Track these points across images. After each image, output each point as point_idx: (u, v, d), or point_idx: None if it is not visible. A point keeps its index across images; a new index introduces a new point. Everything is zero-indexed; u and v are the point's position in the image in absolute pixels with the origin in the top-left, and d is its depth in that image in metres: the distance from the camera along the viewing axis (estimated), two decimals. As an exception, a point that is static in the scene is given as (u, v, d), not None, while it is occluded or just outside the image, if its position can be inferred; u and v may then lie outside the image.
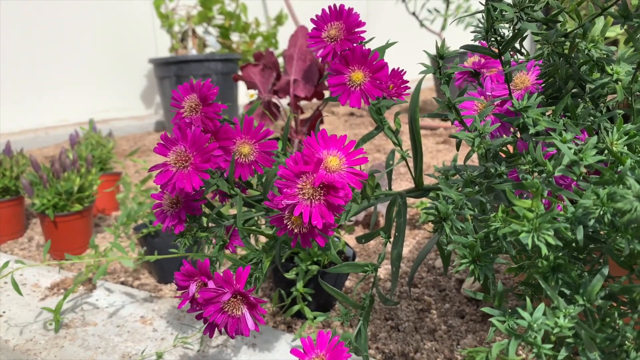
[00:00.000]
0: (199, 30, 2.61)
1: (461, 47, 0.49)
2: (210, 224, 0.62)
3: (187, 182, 0.50)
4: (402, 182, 1.54)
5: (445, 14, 2.82)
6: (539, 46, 0.48)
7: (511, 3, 0.44)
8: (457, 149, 0.54)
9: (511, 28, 0.45)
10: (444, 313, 0.83)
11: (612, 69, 0.44)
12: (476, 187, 0.46)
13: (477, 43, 0.52)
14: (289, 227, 0.47)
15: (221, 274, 0.48)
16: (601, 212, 0.32)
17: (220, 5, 2.50)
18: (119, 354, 0.73)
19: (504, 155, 0.52)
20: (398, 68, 0.60)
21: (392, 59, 0.59)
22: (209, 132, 0.55)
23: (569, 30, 0.46)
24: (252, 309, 0.48)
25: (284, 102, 1.63)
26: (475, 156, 1.72)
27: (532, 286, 0.42)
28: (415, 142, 0.70)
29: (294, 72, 1.38)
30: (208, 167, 0.51)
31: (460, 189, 0.47)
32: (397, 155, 0.87)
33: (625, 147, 0.39)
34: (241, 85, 2.72)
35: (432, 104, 2.96)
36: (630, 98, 0.44)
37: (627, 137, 0.39)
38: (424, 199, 1.21)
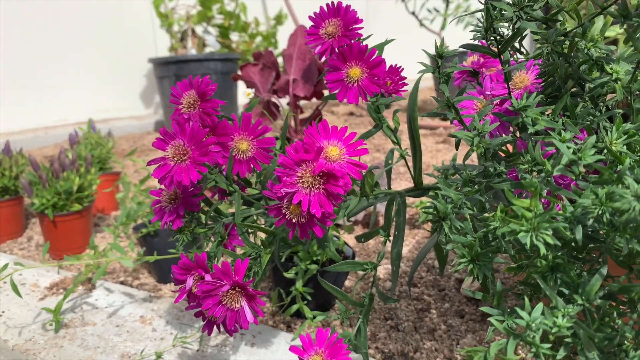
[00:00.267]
0: (199, 29, 2.61)
1: (460, 46, 0.49)
2: (208, 221, 0.62)
3: (185, 175, 0.50)
4: (402, 182, 1.53)
5: (445, 13, 2.82)
6: (538, 45, 0.48)
7: (510, 2, 0.44)
8: (457, 148, 0.54)
9: (510, 27, 0.45)
10: (443, 313, 0.83)
11: (611, 68, 0.44)
12: (475, 187, 0.46)
13: (476, 42, 0.52)
14: (287, 216, 0.47)
15: (220, 267, 0.48)
16: (600, 212, 0.32)
17: (220, 4, 2.50)
18: (118, 354, 0.73)
19: (503, 155, 0.52)
20: (396, 64, 0.60)
21: (392, 59, 0.59)
22: (207, 128, 0.55)
23: (568, 29, 0.46)
24: (251, 301, 0.48)
25: (283, 101, 1.63)
26: (474, 156, 1.72)
27: (531, 286, 0.42)
28: (414, 141, 0.70)
29: (293, 71, 1.38)
30: (206, 160, 0.51)
31: (459, 188, 0.47)
32: (396, 154, 0.87)
33: (625, 147, 0.39)
34: (240, 85, 2.72)
35: (432, 103, 2.96)
36: (629, 97, 0.44)
37: (626, 136, 0.39)
38: (423, 199, 1.21)
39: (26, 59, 2.39)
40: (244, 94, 1.24)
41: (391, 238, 0.68)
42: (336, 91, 0.56)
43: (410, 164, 0.73)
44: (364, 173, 0.53)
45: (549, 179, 0.37)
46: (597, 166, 0.36)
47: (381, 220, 1.21)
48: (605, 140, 0.39)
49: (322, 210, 0.44)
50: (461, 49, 0.52)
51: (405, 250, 1.07)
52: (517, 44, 0.53)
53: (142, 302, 0.88)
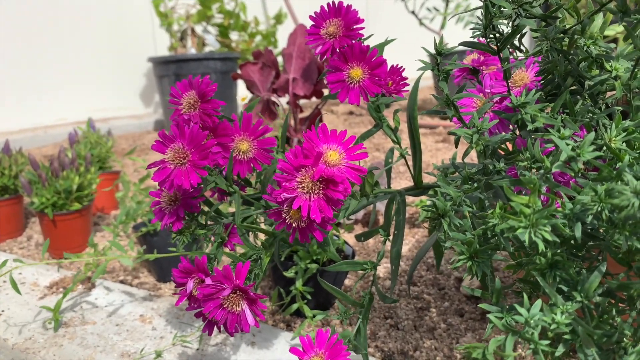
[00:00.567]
0: (198, 29, 2.61)
1: (460, 44, 0.49)
2: (208, 222, 0.62)
3: (185, 179, 0.50)
4: (402, 181, 1.53)
5: (445, 12, 2.82)
6: (537, 42, 0.48)
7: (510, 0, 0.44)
8: (456, 146, 0.54)
9: (510, 24, 0.45)
10: (443, 311, 0.83)
11: (611, 66, 0.44)
12: (474, 184, 0.46)
13: (476, 40, 0.52)
14: (287, 221, 0.47)
15: (221, 270, 0.48)
16: (599, 209, 0.32)
17: (220, 4, 2.50)
18: (118, 353, 0.73)
19: (502, 153, 0.52)
20: (397, 65, 0.60)
21: (391, 58, 0.59)
22: (208, 129, 0.55)
23: (567, 26, 0.46)
24: (252, 305, 0.48)
25: (283, 100, 1.63)
26: (474, 154, 1.72)
27: (530, 283, 0.42)
28: (414, 140, 0.70)
29: (293, 70, 1.38)
30: (206, 164, 0.51)
31: (458, 186, 0.47)
32: (396, 154, 0.87)
33: (624, 144, 0.39)
34: (240, 85, 2.72)
35: (432, 102, 2.96)
36: (629, 95, 0.44)
37: (625, 133, 0.39)
38: (423, 198, 1.21)
39: (26, 59, 2.39)
40: (240, 96, 1.24)
41: (391, 237, 0.68)
42: (337, 91, 0.56)
43: (410, 163, 0.73)
44: (363, 177, 0.53)
45: (548, 175, 0.37)
46: (596, 163, 0.36)
47: (381, 219, 1.21)
48: (604, 137, 0.39)
49: (322, 216, 0.44)
50: (461, 47, 0.52)
51: (405, 249, 1.07)
52: (516, 42, 0.53)
53: (142, 301, 0.88)
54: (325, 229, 0.48)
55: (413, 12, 2.87)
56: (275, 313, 0.84)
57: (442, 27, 2.86)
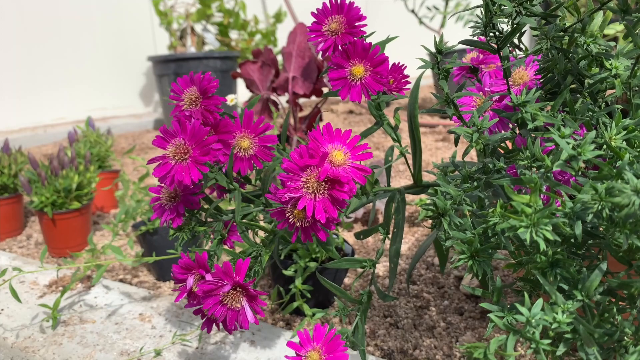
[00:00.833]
0: (198, 27, 2.61)
1: (460, 42, 0.49)
2: (208, 219, 0.61)
3: (186, 174, 0.50)
4: (401, 180, 1.53)
5: (445, 11, 2.82)
6: (537, 41, 0.48)
7: (510, -2, 0.43)
8: (456, 144, 0.54)
9: (510, 23, 0.45)
10: (442, 310, 0.83)
11: (610, 64, 0.44)
12: (474, 183, 0.46)
13: (476, 39, 0.52)
14: (290, 220, 0.46)
15: (221, 266, 0.48)
16: (599, 207, 0.32)
17: (219, 2, 2.50)
18: (117, 351, 0.73)
19: (502, 152, 0.52)
20: (398, 63, 0.60)
21: (391, 57, 0.59)
22: (209, 125, 0.55)
23: (567, 25, 0.46)
24: (251, 301, 0.48)
25: (282, 99, 1.62)
26: (474, 154, 1.71)
27: (530, 282, 0.42)
28: (414, 139, 0.70)
29: (292, 69, 1.38)
30: (207, 160, 0.51)
31: (458, 184, 0.47)
32: (396, 152, 0.87)
33: (624, 142, 0.39)
34: (240, 84, 2.71)
35: (432, 101, 2.96)
36: (628, 93, 0.44)
37: (625, 132, 0.39)
38: (423, 196, 1.21)
39: (25, 58, 2.39)
40: (242, 93, 1.24)
41: (390, 235, 0.68)
42: (339, 89, 0.56)
43: (410, 161, 0.72)
44: (368, 177, 0.52)
45: (549, 174, 0.37)
46: (597, 161, 0.35)
47: (380, 218, 1.21)
48: (604, 135, 0.39)
49: (327, 216, 0.44)
50: (460, 46, 0.52)
51: (404, 247, 1.07)
52: (516, 41, 0.53)
53: (141, 300, 0.88)
54: (329, 229, 0.48)
55: (413, 11, 2.87)
56: (275, 312, 0.84)
57: (442, 26, 2.86)
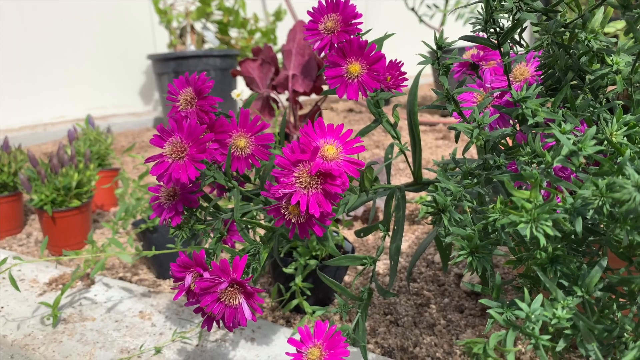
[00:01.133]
0: (198, 26, 2.61)
1: (460, 38, 0.49)
2: (207, 217, 0.61)
3: (183, 172, 0.50)
4: (402, 178, 1.53)
5: (445, 9, 2.81)
6: (538, 37, 0.48)
7: (510, -7, 0.43)
8: (456, 141, 0.53)
9: (510, 18, 0.45)
10: (443, 308, 0.83)
11: (612, 60, 0.44)
12: (475, 179, 0.46)
13: (476, 35, 0.52)
14: (286, 216, 0.46)
15: (218, 264, 0.48)
16: (600, 203, 0.32)
17: (219, 0, 2.49)
18: (117, 349, 0.73)
19: (502, 148, 0.51)
20: (395, 59, 0.60)
21: (391, 55, 0.58)
22: (205, 125, 0.55)
23: (568, 20, 0.46)
24: (249, 299, 0.48)
25: (282, 97, 1.62)
26: (474, 151, 1.71)
27: (530, 278, 0.42)
28: (414, 136, 0.70)
29: (292, 67, 1.37)
30: (204, 157, 0.51)
31: (458, 181, 0.47)
32: (396, 149, 0.87)
33: (625, 138, 0.39)
34: (240, 82, 2.71)
35: (432, 99, 2.95)
36: (630, 89, 0.44)
37: (626, 127, 0.39)
38: (423, 194, 1.21)
39: (25, 56, 2.39)
40: (234, 92, 1.24)
41: (390, 233, 0.67)
42: (336, 87, 0.55)
43: (410, 159, 0.72)
44: (361, 171, 0.52)
45: (549, 170, 0.36)
46: (598, 157, 0.35)
47: (381, 216, 1.21)
48: (605, 131, 0.38)
49: (321, 210, 0.44)
50: (461, 43, 0.52)
51: (404, 245, 1.07)
52: (517, 37, 0.53)
53: (141, 298, 0.88)
54: (325, 224, 0.48)
55: (413, 9, 2.86)
56: (275, 309, 0.84)
57: (442, 24, 2.85)
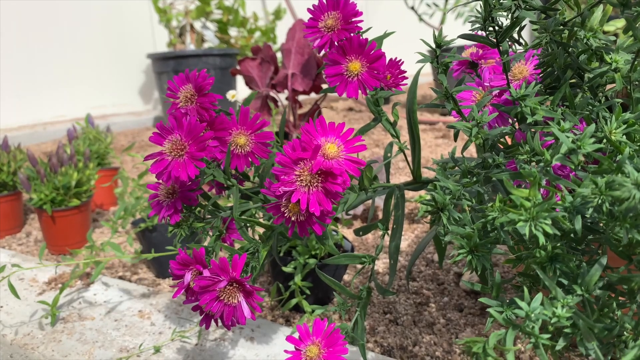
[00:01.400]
0: (197, 25, 2.60)
1: (459, 36, 0.49)
2: (206, 215, 0.61)
3: (183, 170, 0.50)
4: (401, 177, 1.53)
5: (444, 8, 2.81)
6: (537, 35, 0.48)
7: (509, -9, 0.43)
8: (455, 139, 0.53)
9: (509, 17, 0.44)
10: (442, 306, 0.83)
11: (610, 58, 0.44)
12: (474, 178, 0.46)
13: (475, 33, 0.52)
14: (286, 215, 0.46)
15: (217, 262, 0.48)
16: (599, 201, 0.32)
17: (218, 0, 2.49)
18: (116, 348, 0.73)
19: (502, 147, 0.51)
20: (395, 58, 0.60)
21: (391, 54, 0.58)
22: (205, 123, 0.55)
23: (567, 19, 0.46)
24: (248, 297, 0.48)
25: (282, 96, 1.62)
26: (473, 150, 1.71)
27: (530, 277, 0.42)
28: (414, 135, 0.70)
29: (292, 65, 1.37)
30: (203, 155, 0.51)
31: (457, 179, 0.47)
32: (395, 148, 0.87)
33: (624, 136, 0.39)
34: (239, 81, 2.71)
35: (431, 98, 2.95)
36: (629, 87, 0.44)
37: (625, 126, 0.39)
38: (422, 193, 1.21)
39: (24, 55, 2.39)
40: (230, 95, 1.23)
41: (389, 232, 0.67)
42: (335, 85, 0.55)
43: (410, 158, 0.72)
44: (362, 170, 0.52)
45: (548, 168, 0.36)
46: (597, 155, 0.35)
47: (380, 215, 1.21)
48: (604, 129, 0.38)
49: (321, 209, 0.44)
50: (460, 42, 0.52)
51: (404, 244, 1.07)
52: (515, 35, 0.53)
53: (140, 297, 0.88)
54: (325, 222, 0.48)
55: (412, 8, 2.86)
56: (275, 308, 0.84)
57: (442, 22, 2.85)
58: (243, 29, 2.62)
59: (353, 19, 0.55)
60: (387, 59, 0.59)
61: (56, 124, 2.47)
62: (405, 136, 1.84)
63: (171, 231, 0.58)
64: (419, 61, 0.47)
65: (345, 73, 0.55)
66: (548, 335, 0.32)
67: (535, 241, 0.35)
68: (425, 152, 1.80)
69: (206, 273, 0.49)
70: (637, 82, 0.43)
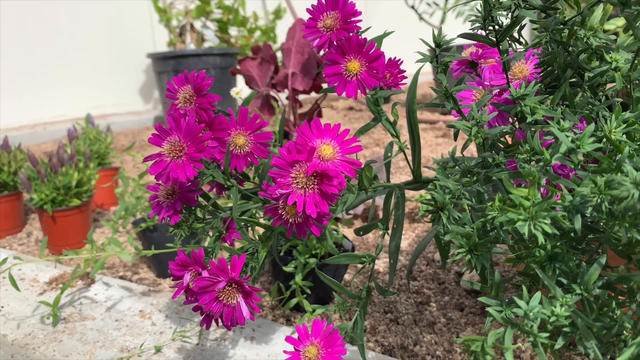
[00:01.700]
0: (197, 24, 2.60)
1: (459, 35, 0.49)
2: (206, 216, 0.61)
3: (181, 171, 0.50)
4: (401, 176, 1.53)
5: (445, 7, 2.81)
6: (537, 34, 0.48)
7: (509, -10, 0.43)
8: (455, 139, 0.53)
9: (509, 16, 0.44)
10: (443, 306, 0.83)
11: (611, 57, 0.44)
12: (474, 177, 0.46)
13: (475, 33, 0.52)
14: (284, 217, 0.46)
15: (216, 263, 0.48)
16: (599, 200, 0.32)
17: (219, -1, 2.49)
18: (117, 348, 0.73)
19: (502, 146, 0.51)
20: (395, 57, 0.60)
21: (391, 53, 0.58)
22: (204, 123, 0.55)
23: (567, 18, 0.46)
24: (247, 298, 0.48)
25: (282, 96, 1.62)
26: (474, 149, 1.71)
27: (529, 276, 0.42)
28: (414, 134, 0.70)
29: (292, 65, 1.37)
30: (202, 156, 0.51)
31: (457, 179, 0.47)
32: (396, 147, 0.87)
33: (624, 135, 0.39)
34: (239, 80, 2.71)
35: (432, 97, 2.95)
36: (629, 86, 0.43)
37: (625, 125, 0.39)
38: (423, 192, 1.21)
39: (25, 55, 2.39)
40: (234, 91, 1.23)
41: (390, 231, 0.67)
42: (335, 85, 0.55)
43: (410, 157, 0.72)
44: (358, 171, 0.52)
45: (548, 168, 0.36)
46: (596, 154, 0.35)
47: (380, 214, 1.21)
48: (604, 129, 0.38)
49: (318, 210, 0.44)
50: (459, 41, 0.52)
51: (404, 244, 1.07)
52: (516, 34, 0.53)
53: (141, 297, 0.88)
54: (322, 224, 0.48)
55: (413, 7, 2.86)
56: (275, 308, 0.84)
57: (442, 22, 2.85)
58: (243, 28, 2.62)
59: (352, 19, 0.55)
60: (387, 59, 0.59)
61: (56, 123, 2.47)
62: (405, 135, 1.84)
63: (171, 232, 0.58)
64: (418, 60, 0.47)
65: (344, 73, 0.55)
66: (547, 334, 0.32)
67: (535, 240, 0.35)
68: (426, 151, 1.80)
69: (205, 274, 0.49)
70: (637, 82, 0.43)
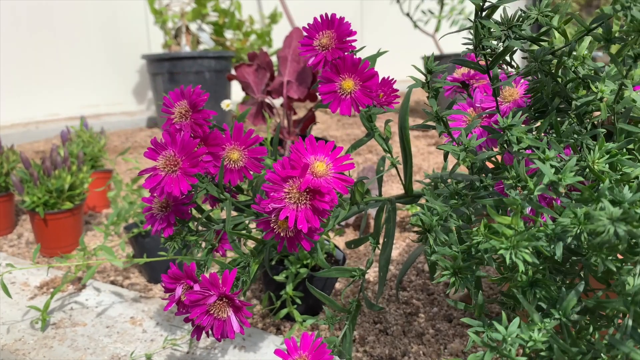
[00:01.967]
0: (193, 27, 2.60)
1: (451, 61, 0.50)
2: (199, 228, 0.62)
3: (176, 186, 0.51)
4: (394, 185, 1.55)
5: (439, 15, 2.83)
6: (527, 63, 0.49)
7: (500, 21, 0.45)
8: (445, 160, 0.55)
9: (500, 44, 0.46)
10: (432, 317, 0.84)
11: (596, 87, 0.45)
12: (462, 199, 0.47)
13: (466, 57, 0.53)
14: (275, 230, 0.47)
15: (208, 277, 0.49)
16: (578, 231, 0.33)
17: (215, 2, 2.49)
18: (108, 355, 0.73)
19: (491, 166, 0.53)
20: (388, 77, 0.61)
21: (386, 61, 0.60)
22: (199, 138, 0.56)
23: (556, 47, 0.47)
24: (237, 312, 0.49)
25: (277, 102, 1.63)
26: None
27: (513, 298, 0.43)
28: (405, 150, 0.71)
29: (287, 73, 1.38)
30: (196, 171, 0.52)
31: (446, 200, 0.48)
32: (388, 162, 0.88)
33: (607, 166, 0.40)
34: (235, 84, 2.71)
35: (425, 103, 2.97)
36: (613, 117, 0.45)
37: (608, 156, 0.41)
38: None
39: (18, 54, 2.37)
40: (224, 104, 1.24)
41: (380, 245, 0.69)
42: (329, 102, 0.57)
43: (402, 172, 0.74)
44: (350, 187, 0.53)
45: (532, 196, 0.38)
46: (578, 186, 0.37)
47: (372, 223, 1.22)
48: (588, 159, 0.40)
49: (309, 226, 0.45)
50: (452, 48, 0.53)
51: (395, 253, 1.09)
52: (507, 58, 0.54)
53: (132, 303, 0.88)
54: (313, 238, 0.49)
55: (408, 15, 2.88)
56: (266, 316, 0.85)
57: (437, 29, 2.87)
58: (239, 31, 2.62)
59: (347, 39, 0.56)
60: (380, 78, 0.61)
61: (49, 122, 2.46)
62: (397, 143, 1.85)
63: (164, 243, 0.59)
64: (410, 86, 0.48)
65: (338, 91, 0.56)
66: (525, 358, 0.34)
67: (517, 267, 0.36)
68: (418, 160, 1.82)
69: (197, 287, 0.50)
70: (620, 113, 0.44)
